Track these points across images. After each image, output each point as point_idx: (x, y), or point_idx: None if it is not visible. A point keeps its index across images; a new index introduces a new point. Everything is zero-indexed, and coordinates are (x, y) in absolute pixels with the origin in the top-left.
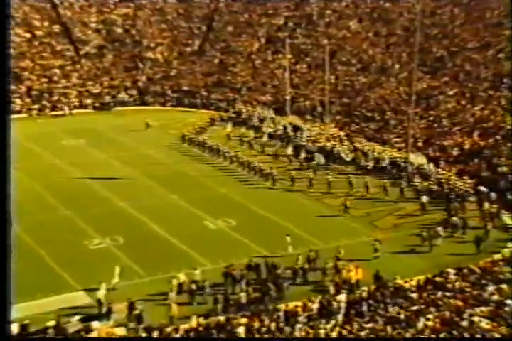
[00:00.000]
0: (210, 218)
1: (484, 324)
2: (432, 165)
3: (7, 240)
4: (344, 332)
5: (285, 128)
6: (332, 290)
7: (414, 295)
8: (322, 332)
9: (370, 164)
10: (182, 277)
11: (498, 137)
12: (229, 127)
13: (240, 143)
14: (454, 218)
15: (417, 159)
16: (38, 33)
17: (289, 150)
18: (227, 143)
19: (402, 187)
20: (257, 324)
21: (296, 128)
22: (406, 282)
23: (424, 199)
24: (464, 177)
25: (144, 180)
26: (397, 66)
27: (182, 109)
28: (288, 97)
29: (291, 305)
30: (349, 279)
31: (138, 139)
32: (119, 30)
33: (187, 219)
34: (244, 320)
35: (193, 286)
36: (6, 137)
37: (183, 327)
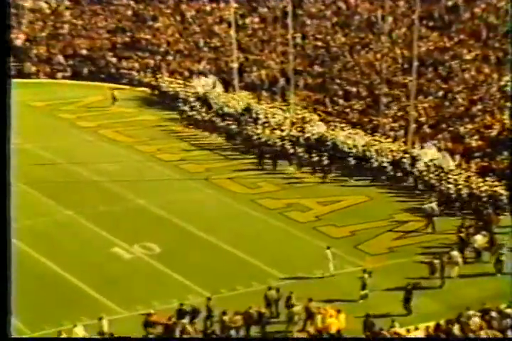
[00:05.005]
0: (122, 243)
1: None
2: (445, 161)
3: None
4: None
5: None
6: None
7: None
8: None
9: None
10: (80, 331)
11: None
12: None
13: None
14: (478, 237)
15: (427, 152)
16: None
17: None
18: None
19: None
20: None
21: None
22: (408, 331)
23: (431, 208)
24: (489, 178)
25: (22, 189)
26: (390, 19)
27: (79, 82)
28: (235, 65)
29: None
30: (327, 328)
31: (12, 128)
32: None
33: (88, 245)
34: None
35: None
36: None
37: None
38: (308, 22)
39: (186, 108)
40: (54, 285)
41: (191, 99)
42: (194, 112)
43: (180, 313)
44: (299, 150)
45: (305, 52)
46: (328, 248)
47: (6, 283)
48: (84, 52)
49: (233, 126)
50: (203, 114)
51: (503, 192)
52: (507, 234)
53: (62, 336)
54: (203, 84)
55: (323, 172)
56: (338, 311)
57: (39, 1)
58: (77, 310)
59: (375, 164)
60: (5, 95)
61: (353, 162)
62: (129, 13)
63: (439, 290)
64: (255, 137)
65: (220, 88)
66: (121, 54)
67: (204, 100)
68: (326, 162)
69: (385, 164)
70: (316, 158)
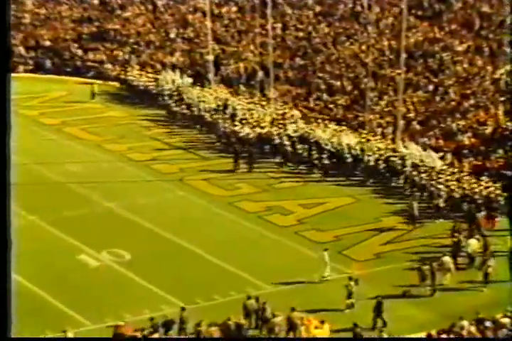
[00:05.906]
0: (89, 249)
1: None
2: (435, 158)
3: None
4: None
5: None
6: None
7: None
8: None
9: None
10: None
11: None
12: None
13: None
14: (472, 241)
15: (411, 150)
16: None
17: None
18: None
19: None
20: None
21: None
22: None
23: (415, 208)
24: (483, 178)
25: None
26: (376, 9)
27: (42, 76)
28: (210, 58)
29: None
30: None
31: None
32: None
33: (52, 252)
34: None
35: None
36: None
37: None
38: (289, 11)
39: (171, 102)
40: (14, 296)
41: (174, 94)
42: (183, 106)
43: (153, 327)
44: (298, 147)
45: (285, 43)
46: (326, 250)
47: (6, 282)
48: (47, 43)
49: (220, 121)
50: (193, 109)
51: (498, 193)
52: (502, 238)
53: None
54: (172, 77)
55: (324, 171)
56: (322, 322)
57: None
58: (40, 322)
59: (362, 163)
60: (5, 94)
61: (349, 160)
62: (96, 1)
63: (430, 298)
64: (233, 134)
65: (187, 80)
66: (88, 45)
67: (179, 94)
68: (326, 161)
69: (372, 163)
70: (316, 156)
